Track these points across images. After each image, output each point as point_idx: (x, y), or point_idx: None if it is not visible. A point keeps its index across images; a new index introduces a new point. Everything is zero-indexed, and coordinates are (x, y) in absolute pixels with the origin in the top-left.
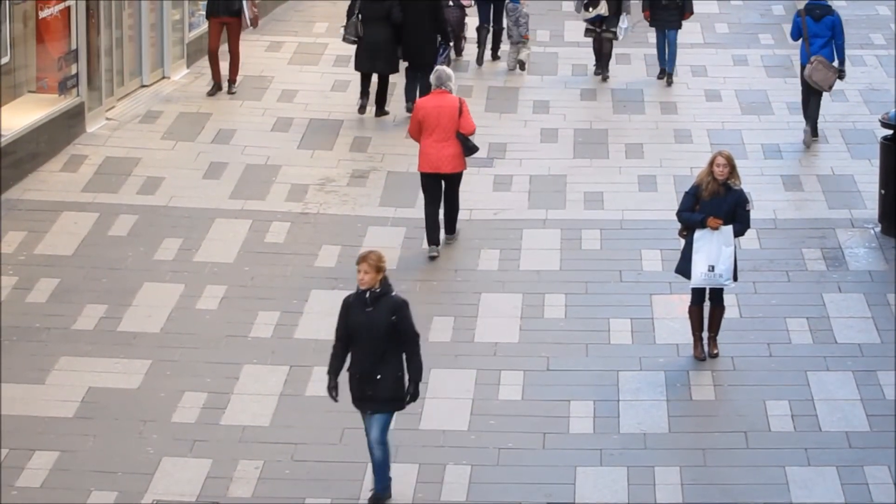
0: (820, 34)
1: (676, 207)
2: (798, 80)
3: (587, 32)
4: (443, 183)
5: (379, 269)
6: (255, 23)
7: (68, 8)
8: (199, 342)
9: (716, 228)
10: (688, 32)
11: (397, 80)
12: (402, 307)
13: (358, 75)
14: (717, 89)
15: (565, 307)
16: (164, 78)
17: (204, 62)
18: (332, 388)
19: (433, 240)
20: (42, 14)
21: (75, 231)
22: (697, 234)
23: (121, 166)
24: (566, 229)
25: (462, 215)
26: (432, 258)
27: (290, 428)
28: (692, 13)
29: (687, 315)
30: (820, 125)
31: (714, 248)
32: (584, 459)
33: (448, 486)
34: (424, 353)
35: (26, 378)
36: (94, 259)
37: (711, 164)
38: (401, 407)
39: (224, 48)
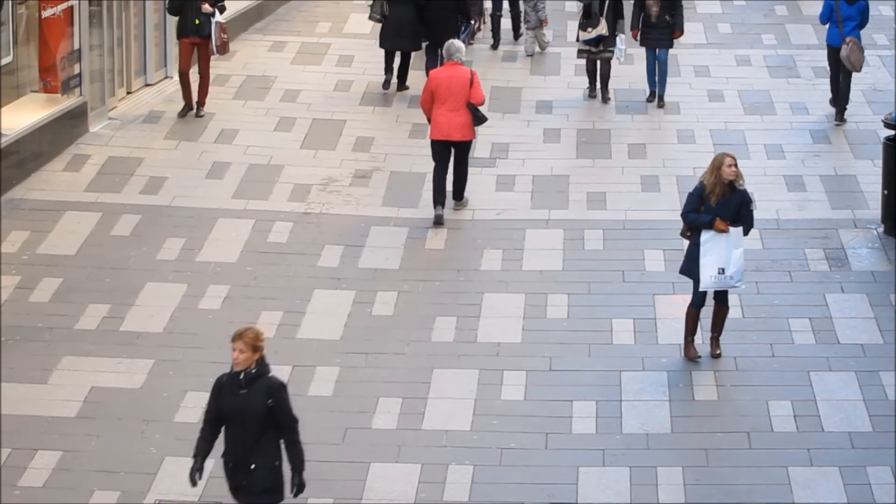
0: (852, 17)
1: (679, 208)
2: (800, 80)
3: (580, 54)
4: (452, 150)
5: (255, 348)
6: (222, 49)
7: (71, 8)
8: (202, 342)
9: (724, 231)
10: (690, 33)
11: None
12: (278, 390)
13: (380, 54)
14: (720, 89)
15: (568, 307)
16: (166, 78)
17: None
18: (196, 471)
19: (439, 201)
20: (45, 14)
21: (78, 231)
22: (704, 236)
23: (124, 166)
24: (569, 229)
25: (465, 215)
26: (438, 218)
27: None
28: (682, 32)
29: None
30: (822, 127)
31: (724, 251)
32: (586, 459)
33: (450, 486)
34: (428, 354)
35: (29, 378)
36: (97, 259)
37: (718, 167)
38: (279, 499)
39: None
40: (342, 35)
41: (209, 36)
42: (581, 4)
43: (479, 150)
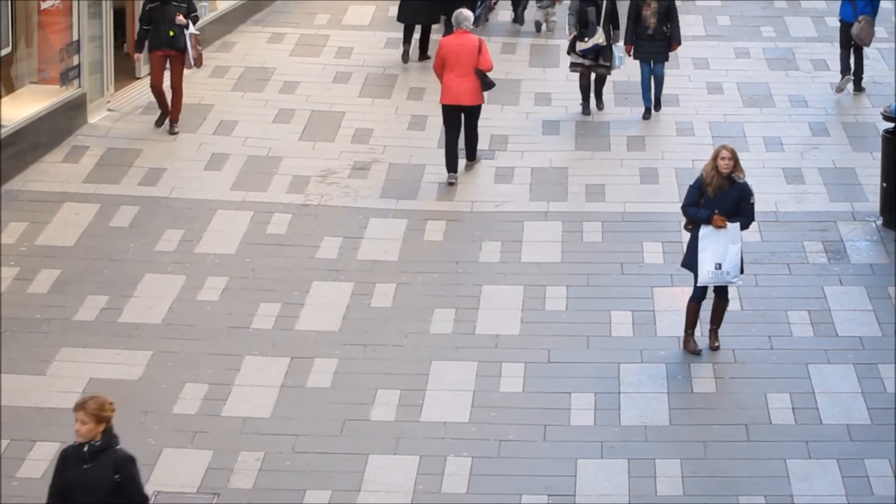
0: None
1: (678, 200)
2: (799, 73)
3: (574, 67)
4: (462, 116)
5: (100, 418)
6: (198, 62)
7: None
8: (200, 333)
9: (721, 227)
10: (690, 25)
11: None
12: (126, 464)
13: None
14: (719, 82)
15: (566, 299)
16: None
17: (206, 53)
18: None
19: (452, 167)
20: (44, 5)
21: (76, 222)
22: (703, 231)
23: (122, 157)
24: (567, 221)
25: (463, 207)
26: (451, 184)
27: (291, 419)
28: (680, 43)
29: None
30: (822, 119)
31: (721, 246)
32: (584, 452)
33: (449, 477)
34: (427, 345)
35: (27, 369)
36: (96, 250)
37: (715, 158)
38: None
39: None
40: (341, 27)
41: (183, 49)
42: (575, 15)
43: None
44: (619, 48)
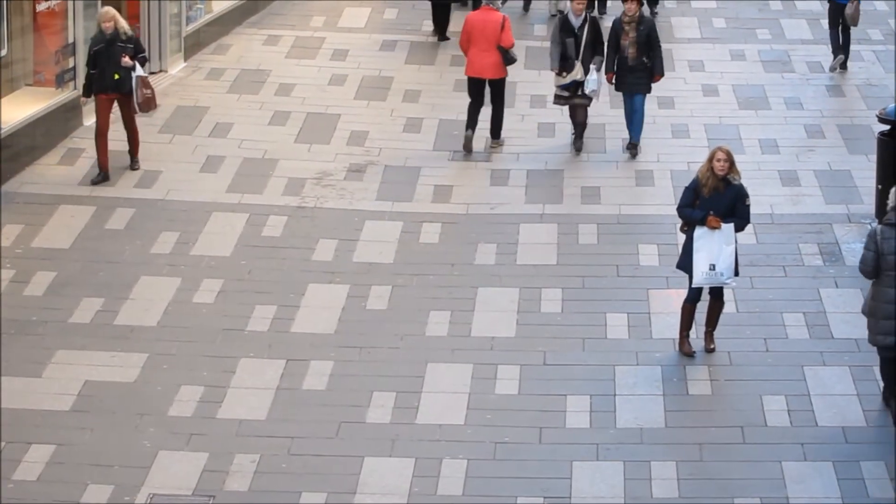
0: None
1: (673, 202)
2: (794, 75)
3: (557, 100)
4: (487, 89)
5: None
6: (145, 106)
7: (65, 1)
8: (196, 336)
9: (716, 227)
10: (685, 27)
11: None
12: None
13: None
14: (715, 84)
15: (562, 302)
16: (161, 71)
17: (202, 56)
18: None
19: (470, 126)
20: (39, 7)
21: (72, 224)
22: (698, 232)
23: (117, 159)
24: (563, 224)
25: (459, 209)
26: (467, 139)
27: (287, 422)
28: (662, 75)
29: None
30: (817, 121)
31: (715, 247)
32: (580, 454)
33: (444, 479)
34: (422, 348)
35: (23, 371)
36: (91, 252)
37: (711, 159)
38: None
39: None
40: (337, 29)
41: (130, 92)
42: (558, 47)
43: (473, 144)
44: (593, 71)
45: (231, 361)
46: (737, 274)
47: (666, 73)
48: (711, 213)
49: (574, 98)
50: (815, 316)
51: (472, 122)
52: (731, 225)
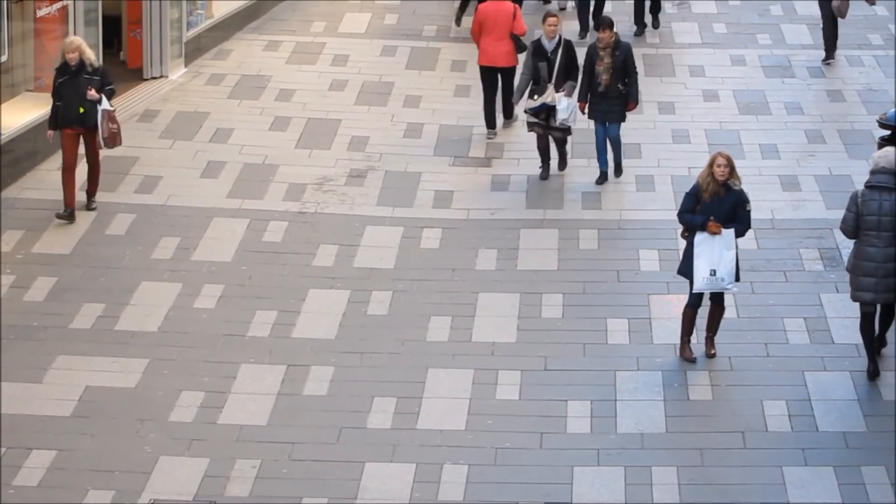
0: None
1: (674, 207)
2: (795, 80)
3: (531, 127)
4: (499, 77)
5: None
6: (111, 142)
7: (66, 7)
8: (197, 341)
9: (716, 233)
10: (686, 32)
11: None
12: None
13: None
14: (715, 89)
15: (563, 307)
16: (161, 76)
17: (202, 61)
18: None
19: (491, 124)
20: (40, 13)
21: (73, 230)
22: (698, 237)
23: (118, 165)
24: (564, 229)
25: (459, 214)
26: (490, 139)
27: (288, 427)
28: (637, 103)
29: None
30: (817, 126)
31: (715, 253)
32: (581, 459)
33: (445, 485)
34: (423, 353)
35: (24, 377)
36: (92, 258)
37: (711, 164)
38: None
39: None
40: (337, 34)
41: (96, 127)
42: (528, 72)
43: (473, 150)
44: (561, 100)
45: (232, 367)
46: (737, 279)
47: (666, 80)
48: (712, 218)
49: (550, 129)
50: (816, 321)
51: (491, 121)
52: (732, 230)
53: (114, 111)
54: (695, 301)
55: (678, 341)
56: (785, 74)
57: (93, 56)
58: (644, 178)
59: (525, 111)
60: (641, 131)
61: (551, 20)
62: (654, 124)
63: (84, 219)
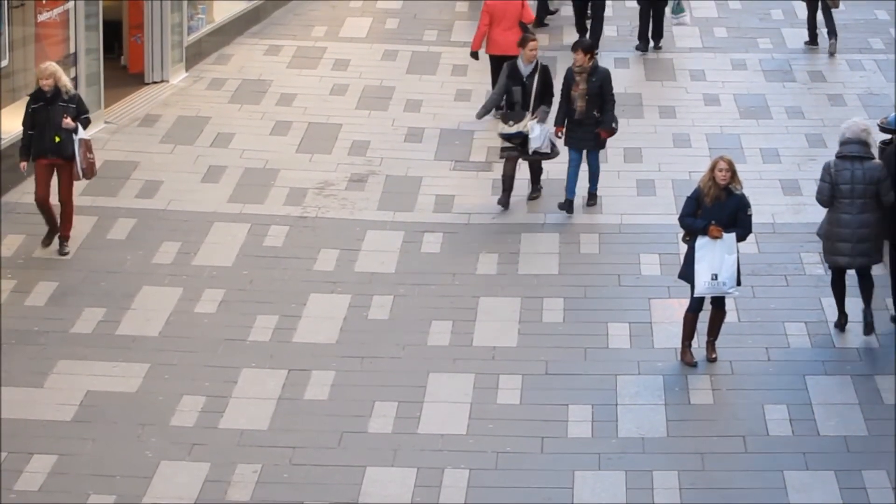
0: None
1: (675, 212)
2: (795, 84)
3: (503, 152)
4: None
5: None
6: (90, 173)
7: (67, 11)
8: (198, 346)
9: (718, 237)
10: (686, 36)
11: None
12: None
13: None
14: (716, 93)
15: (564, 311)
16: (162, 81)
17: (203, 65)
18: None
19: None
20: (41, 17)
21: (74, 234)
22: (699, 242)
23: (119, 170)
24: (565, 233)
25: (460, 219)
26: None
27: (289, 432)
28: (612, 132)
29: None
30: (818, 130)
31: (717, 257)
32: (582, 463)
33: (446, 489)
34: (424, 357)
35: (25, 381)
36: (93, 262)
37: (713, 168)
38: None
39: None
40: (338, 39)
41: (71, 157)
42: (498, 95)
43: (474, 154)
44: (534, 127)
45: (233, 371)
46: (739, 283)
47: (668, 84)
48: (713, 222)
49: (524, 154)
50: (817, 325)
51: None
52: (733, 234)
53: (90, 140)
54: (696, 305)
55: (679, 345)
56: (786, 78)
57: (69, 82)
58: (645, 182)
59: (499, 135)
60: (642, 135)
61: (532, 44)
62: (654, 128)
63: (85, 223)
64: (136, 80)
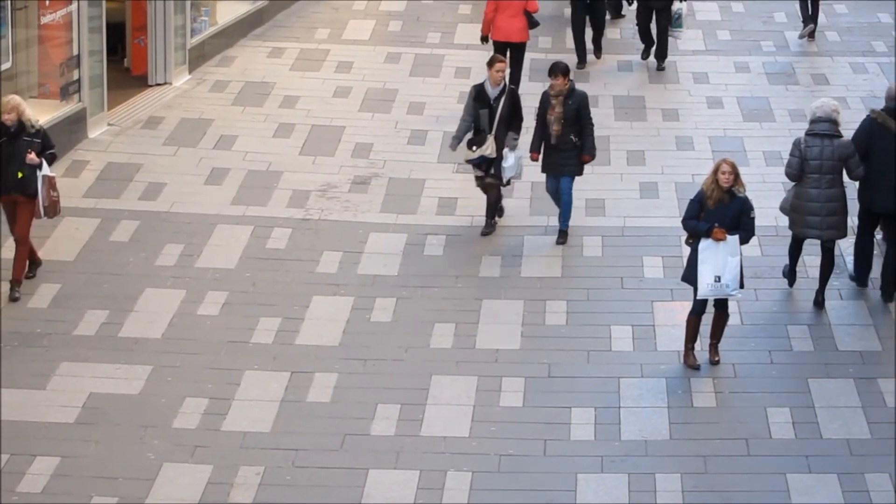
0: None
1: (678, 214)
2: (799, 87)
3: (477, 180)
4: (509, 51)
5: None
6: (52, 212)
7: (70, 13)
8: (201, 348)
9: (721, 239)
10: (690, 39)
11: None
12: None
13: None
14: (719, 96)
15: (567, 314)
16: (165, 83)
17: (206, 68)
18: None
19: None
20: (44, 19)
21: (77, 236)
22: (703, 244)
23: (122, 172)
24: (568, 236)
25: (463, 222)
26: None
27: (291, 434)
28: (592, 157)
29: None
30: None
31: (720, 259)
32: (585, 466)
33: (449, 492)
34: (427, 360)
35: (27, 383)
36: (96, 264)
37: (716, 171)
38: None
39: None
40: (341, 41)
41: (34, 194)
42: (467, 120)
43: None
44: (509, 156)
45: (235, 374)
46: (742, 286)
47: (670, 86)
48: (716, 225)
49: (487, 177)
50: (820, 328)
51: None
52: (737, 237)
53: (54, 178)
54: (699, 308)
55: (682, 348)
56: (789, 81)
57: (33, 116)
58: (648, 185)
59: (466, 161)
60: (645, 138)
61: (500, 66)
62: (657, 131)
63: (88, 226)
64: (140, 82)
